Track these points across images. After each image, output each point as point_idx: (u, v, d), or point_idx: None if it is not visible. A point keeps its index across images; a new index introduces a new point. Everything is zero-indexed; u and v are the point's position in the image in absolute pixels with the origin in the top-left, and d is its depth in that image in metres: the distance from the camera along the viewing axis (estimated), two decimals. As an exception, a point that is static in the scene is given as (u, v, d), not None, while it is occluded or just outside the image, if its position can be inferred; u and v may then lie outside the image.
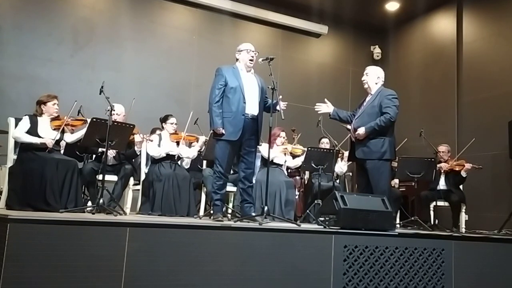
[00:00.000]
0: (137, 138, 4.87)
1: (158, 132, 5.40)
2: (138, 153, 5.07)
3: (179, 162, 5.27)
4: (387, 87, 4.62)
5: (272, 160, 5.22)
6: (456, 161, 5.97)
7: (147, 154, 5.33)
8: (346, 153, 5.84)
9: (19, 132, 4.37)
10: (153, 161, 5.17)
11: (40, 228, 2.68)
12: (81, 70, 6.85)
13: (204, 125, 5.36)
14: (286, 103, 4.29)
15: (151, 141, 5.08)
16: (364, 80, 4.61)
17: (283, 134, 5.62)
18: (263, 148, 5.07)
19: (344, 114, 4.64)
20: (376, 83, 4.55)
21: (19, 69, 6.44)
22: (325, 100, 4.65)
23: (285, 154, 5.56)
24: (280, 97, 4.24)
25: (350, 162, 5.47)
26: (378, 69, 4.70)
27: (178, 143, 5.22)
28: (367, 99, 4.57)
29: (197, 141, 5.39)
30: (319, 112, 4.68)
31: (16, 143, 4.56)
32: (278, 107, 4.18)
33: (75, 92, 5.96)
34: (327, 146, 5.89)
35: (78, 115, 4.90)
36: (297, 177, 6.22)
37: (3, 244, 2.57)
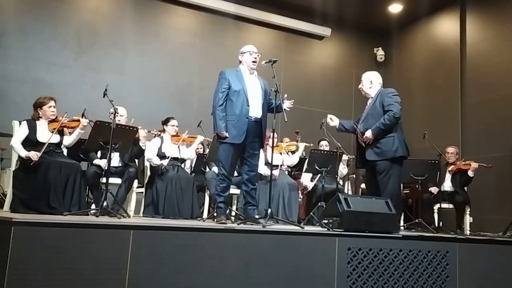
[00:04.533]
0: (141, 133, 4.88)
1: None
2: (144, 148, 5.05)
3: (182, 165, 5.27)
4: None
5: (269, 163, 5.19)
6: (463, 162, 5.97)
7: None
8: (345, 157, 5.85)
9: (13, 141, 4.34)
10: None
11: (44, 231, 2.69)
12: (85, 73, 6.88)
13: (207, 127, 5.37)
14: (292, 101, 4.29)
15: (158, 135, 5.11)
16: (360, 88, 4.64)
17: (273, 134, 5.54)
18: None
19: (349, 125, 4.62)
20: (371, 87, 4.54)
21: (23, 72, 6.48)
22: (328, 116, 4.65)
23: (280, 154, 5.53)
24: (286, 95, 4.24)
25: (349, 164, 5.44)
26: (370, 73, 4.66)
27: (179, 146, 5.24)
28: (368, 102, 4.58)
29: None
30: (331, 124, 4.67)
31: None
32: (283, 106, 4.19)
33: (79, 95, 5.99)
34: (326, 149, 5.87)
35: (82, 117, 4.91)
36: (301, 180, 6.21)
37: (7, 246, 2.58)
